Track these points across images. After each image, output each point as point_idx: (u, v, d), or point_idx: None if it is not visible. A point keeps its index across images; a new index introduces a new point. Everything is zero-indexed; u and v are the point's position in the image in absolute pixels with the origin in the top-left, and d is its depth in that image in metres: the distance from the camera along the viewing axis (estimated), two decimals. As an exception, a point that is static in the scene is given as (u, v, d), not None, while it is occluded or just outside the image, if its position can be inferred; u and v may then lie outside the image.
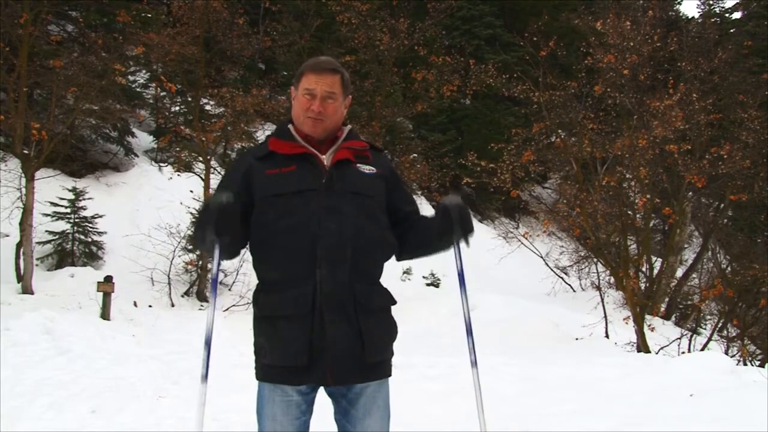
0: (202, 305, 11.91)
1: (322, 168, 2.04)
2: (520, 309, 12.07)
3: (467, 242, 2.13)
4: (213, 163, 13.44)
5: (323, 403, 2.11)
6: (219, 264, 2.05)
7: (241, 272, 11.20)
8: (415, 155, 17.23)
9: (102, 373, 5.86)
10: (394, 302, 2.16)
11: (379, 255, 2.11)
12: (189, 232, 12.61)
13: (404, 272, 16.00)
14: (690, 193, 14.51)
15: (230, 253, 2.09)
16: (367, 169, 2.10)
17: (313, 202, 1.99)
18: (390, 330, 2.14)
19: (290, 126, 2.13)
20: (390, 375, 2.13)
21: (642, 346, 10.03)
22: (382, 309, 2.11)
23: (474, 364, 2.20)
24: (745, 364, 8.96)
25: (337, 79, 2.08)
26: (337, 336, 1.96)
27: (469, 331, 2.21)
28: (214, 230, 1.91)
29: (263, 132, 15.86)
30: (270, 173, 2.04)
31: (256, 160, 2.08)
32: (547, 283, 17.33)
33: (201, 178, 13.24)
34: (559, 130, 13.23)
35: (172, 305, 11.37)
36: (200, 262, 12.38)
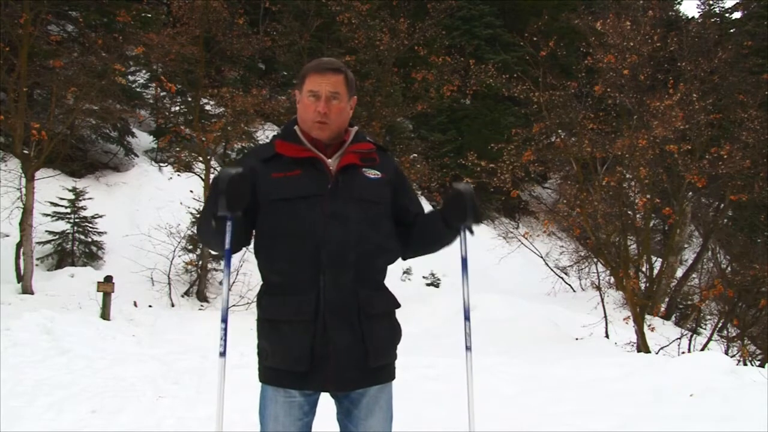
0: (202, 305, 11.91)
1: (328, 173, 2.02)
2: (520, 309, 12.07)
3: (471, 231, 2.10)
4: (213, 163, 13.44)
5: (325, 403, 2.11)
6: (232, 235, 1.95)
7: (241, 272, 11.19)
8: (415, 155, 17.24)
9: (102, 373, 5.85)
10: (397, 306, 2.15)
11: (383, 261, 2.10)
12: (189, 232, 12.62)
13: (404, 272, 16.00)
14: (690, 193, 14.51)
15: (235, 242, 2.00)
16: (372, 174, 2.07)
17: (318, 208, 1.97)
18: (393, 334, 2.13)
19: (296, 128, 2.10)
20: (393, 378, 2.13)
21: (642, 346, 10.04)
22: (386, 313, 2.10)
23: (468, 348, 2.18)
24: (745, 364, 8.96)
25: (340, 79, 2.05)
26: (340, 343, 1.95)
27: (467, 317, 2.19)
28: (226, 204, 1.85)
29: (263, 132, 15.87)
30: (275, 177, 2.01)
31: (261, 162, 2.05)
32: (547, 283, 17.34)
33: (201, 178, 13.24)
34: (559, 130, 13.22)
35: (172, 305, 11.37)
36: (200, 262, 12.39)
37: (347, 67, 2.15)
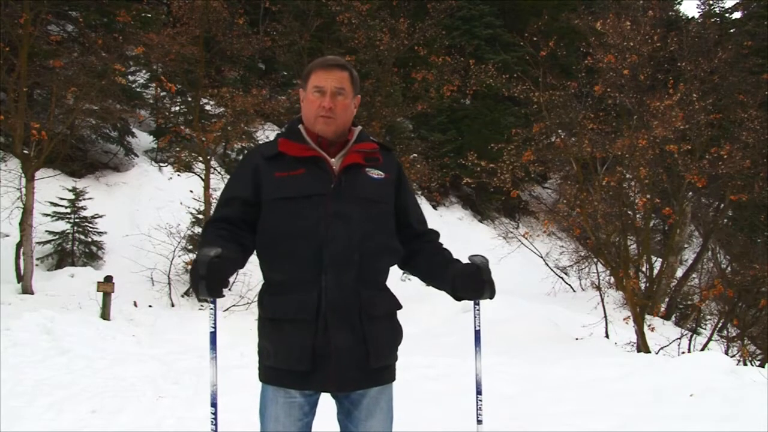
0: (202, 305, 11.90)
1: (331, 172, 2.02)
2: (520, 309, 12.04)
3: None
4: (213, 163, 13.44)
5: (325, 403, 2.11)
6: (215, 319, 2.00)
7: (241, 272, 11.18)
8: (415, 155, 17.22)
9: (102, 373, 5.86)
10: (399, 307, 2.15)
11: (386, 261, 2.11)
12: (189, 232, 12.62)
13: (404, 272, 16.01)
14: (690, 193, 14.50)
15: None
16: (375, 173, 2.07)
17: (321, 207, 1.97)
18: (395, 335, 2.12)
19: (300, 126, 2.10)
20: (394, 380, 2.13)
21: (642, 346, 10.03)
22: (388, 314, 2.10)
23: (480, 422, 2.24)
24: (745, 364, 8.96)
25: (345, 76, 2.06)
26: (341, 343, 1.95)
27: (479, 391, 2.26)
28: (207, 291, 1.81)
29: (263, 132, 15.87)
30: (279, 176, 2.01)
31: (265, 160, 2.05)
32: (547, 283, 17.34)
33: (201, 178, 13.24)
34: (559, 130, 13.21)
35: (172, 305, 11.36)
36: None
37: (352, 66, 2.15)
